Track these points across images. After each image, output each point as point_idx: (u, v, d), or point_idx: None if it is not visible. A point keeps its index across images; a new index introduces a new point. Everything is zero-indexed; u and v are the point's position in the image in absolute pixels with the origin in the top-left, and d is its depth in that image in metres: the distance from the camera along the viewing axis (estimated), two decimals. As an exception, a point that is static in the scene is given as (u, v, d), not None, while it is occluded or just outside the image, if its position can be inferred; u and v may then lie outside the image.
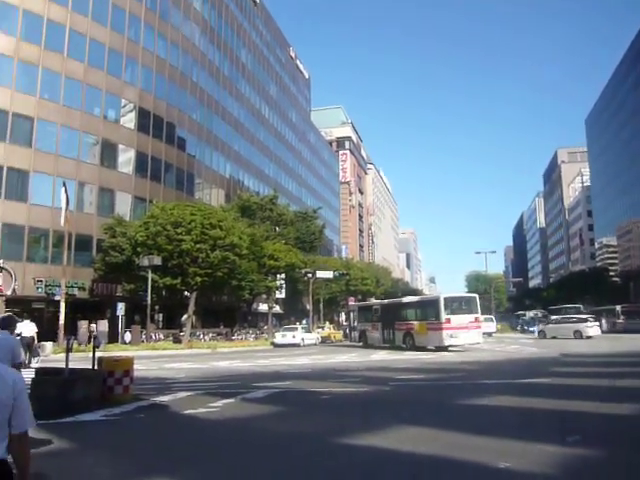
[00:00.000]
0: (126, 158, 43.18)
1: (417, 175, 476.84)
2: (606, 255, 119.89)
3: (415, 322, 28.83)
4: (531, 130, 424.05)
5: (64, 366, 10.92)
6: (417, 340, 28.28)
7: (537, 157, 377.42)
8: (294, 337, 38.16)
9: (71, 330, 32.25)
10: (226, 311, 54.29)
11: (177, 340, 34.65)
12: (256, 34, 69.86)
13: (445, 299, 27.95)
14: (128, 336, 32.89)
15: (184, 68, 50.40)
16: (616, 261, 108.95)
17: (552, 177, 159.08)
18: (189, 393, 12.68)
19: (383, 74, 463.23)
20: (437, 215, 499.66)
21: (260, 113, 69.09)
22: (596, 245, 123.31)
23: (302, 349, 34.90)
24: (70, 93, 38.42)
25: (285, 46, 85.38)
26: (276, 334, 39.51)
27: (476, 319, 27.42)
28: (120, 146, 42.48)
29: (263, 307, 58.13)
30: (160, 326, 40.07)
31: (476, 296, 29.13)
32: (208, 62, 55.09)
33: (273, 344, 38.58)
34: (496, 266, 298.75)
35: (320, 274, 48.32)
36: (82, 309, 38.48)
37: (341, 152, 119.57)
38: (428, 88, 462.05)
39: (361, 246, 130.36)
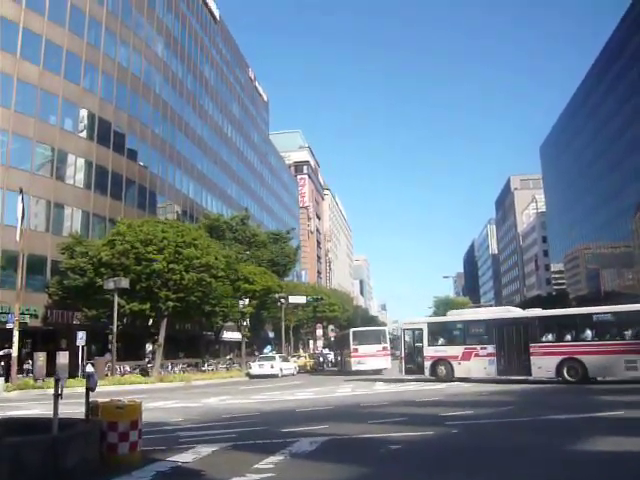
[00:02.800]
0: (84, 172, 39.27)
1: (368, 201, 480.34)
2: (562, 280, 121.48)
3: (345, 350, 36.01)
4: (482, 158, 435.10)
5: (38, 414, 7.73)
6: (347, 366, 35.06)
7: (487, 185, 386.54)
8: (272, 367, 34.94)
9: (23, 363, 28.20)
10: (189, 340, 50.37)
11: (144, 372, 30.80)
12: (216, 51, 67.12)
13: (354, 332, 35.96)
14: (89, 369, 28.80)
15: (147, 79, 47.11)
16: (575, 286, 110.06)
17: (505, 204, 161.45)
18: (212, 447, 9.47)
19: (341, 89, 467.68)
20: (387, 242, 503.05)
21: (223, 132, 66.07)
22: (552, 269, 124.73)
23: (283, 380, 31.74)
24: (23, 98, 34.57)
25: (244, 67, 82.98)
26: (252, 364, 36.13)
27: (384, 348, 33.56)
28: (78, 159, 38.59)
29: (228, 335, 54.47)
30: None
31: (384, 329, 35.49)
32: (171, 74, 51.94)
33: (249, 375, 35.20)
34: (446, 292, 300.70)
35: (293, 299, 45.27)
36: (33, 339, 34.23)
37: (299, 177, 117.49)
38: (379, 118, 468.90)
39: (319, 272, 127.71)
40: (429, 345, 25.25)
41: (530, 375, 22.16)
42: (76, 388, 24.79)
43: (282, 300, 42.60)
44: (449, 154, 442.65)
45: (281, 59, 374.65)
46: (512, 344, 23.05)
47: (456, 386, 22.25)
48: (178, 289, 29.90)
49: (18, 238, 24.09)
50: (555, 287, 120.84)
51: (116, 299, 28.25)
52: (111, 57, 42.40)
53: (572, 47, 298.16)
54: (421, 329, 25.94)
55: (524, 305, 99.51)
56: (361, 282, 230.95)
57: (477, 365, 23.62)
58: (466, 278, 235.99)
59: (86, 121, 39.84)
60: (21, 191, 24.38)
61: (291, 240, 54.32)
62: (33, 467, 6.58)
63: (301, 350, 61.50)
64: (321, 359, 49.12)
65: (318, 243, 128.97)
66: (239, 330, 62.02)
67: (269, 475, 7.29)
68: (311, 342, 65.98)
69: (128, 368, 31.03)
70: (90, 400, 8.86)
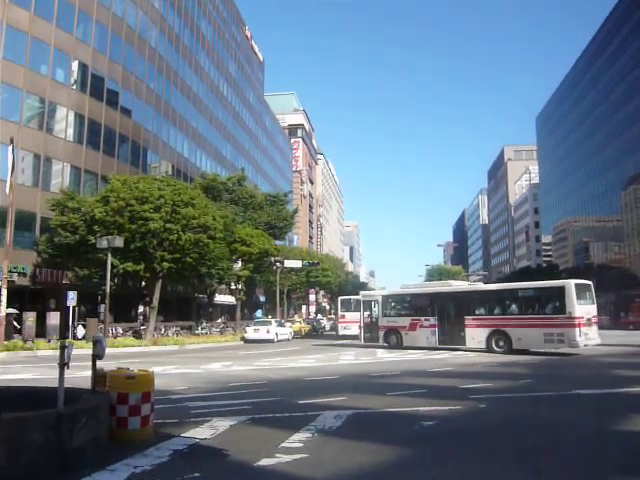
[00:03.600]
0: (76, 126, 37.68)
1: (360, 168, 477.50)
2: (552, 252, 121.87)
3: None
4: (476, 127, 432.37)
5: (30, 379, 7.05)
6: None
7: (479, 155, 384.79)
8: (268, 332, 34.31)
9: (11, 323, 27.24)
10: (181, 302, 49.61)
11: (137, 335, 29.98)
12: (213, 7, 64.59)
13: (341, 300, 37.36)
14: (81, 330, 27.95)
15: (142, 31, 45.07)
16: (563, 258, 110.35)
17: (497, 174, 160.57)
18: (230, 421, 8.68)
19: (335, 60, 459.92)
20: (377, 209, 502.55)
21: (219, 90, 64.06)
22: (543, 241, 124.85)
23: (280, 345, 31.14)
24: (13, 45, 32.78)
25: (241, 25, 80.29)
26: (247, 329, 35.46)
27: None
28: (69, 112, 36.95)
29: (220, 298, 53.75)
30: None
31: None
32: (168, 27, 49.81)
33: (244, 339, 34.57)
34: (435, 261, 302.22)
35: (289, 263, 44.41)
36: (20, 298, 33.19)
37: (293, 140, 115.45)
38: (376, 85, 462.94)
39: (310, 237, 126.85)
40: (383, 316, 27.14)
41: (465, 345, 23.72)
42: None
43: (278, 264, 41.68)
44: (444, 124, 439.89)
45: (277, 23, 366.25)
46: (451, 316, 24.82)
47: (461, 355, 21.73)
48: (174, 250, 28.84)
49: (8, 191, 22.85)
50: (545, 259, 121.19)
51: (109, 258, 27.17)
52: (106, 6, 40.35)
53: (573, 18, 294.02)
54: (377, 301, 27.85)
55: (513, 276, 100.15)
56: (351, 248, 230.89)
57: (421, 335, 25.32)
58: (455, 247, 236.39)
59: (79, 73, 38.05)
60: (12, 141, 22.98)
61: (288, 203, 53.19)
62: (35, 447, 5.73)
63: (295, 315, 60.94)
64: (314, 324, 48.72)
65: (310, 208, 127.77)
66: (231, 293, 61.45)
67: (302, 456, 6.52)
68: (304, 307, 65.51)
69: (121, 330, 30.17)
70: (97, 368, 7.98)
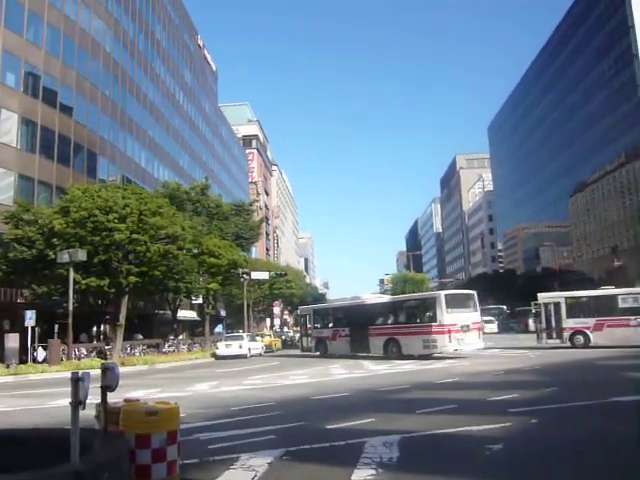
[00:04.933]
0: (27, 134, 35.20)
1: (312, 178, 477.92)
2: (503, 258, 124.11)
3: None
4: (427, 138, 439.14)
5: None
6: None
7: (432, 164, 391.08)
8: (240, 347, 32.68)
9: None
10: (141, 319, 47.16)
11: (102, 355, 27.81)
12: (165, 13, 62.55)
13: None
14: (41, 353, 25.62)
15: (96, 35, 42.79)
16: (514, 264, 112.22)
17: (450, 183, 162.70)
18: (264, 458, 7.24)
19: (291, 70, 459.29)
20: (330, 221, 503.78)
21: (175, 98, 61.95)
22: (499, 247, 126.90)
23: (254, 361, 29.53)
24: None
25: (193, 33, 78.33)
26: (218, 344, 33.68)
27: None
28: (21, 119, 34.46)
29: (182, 313, 51.51)
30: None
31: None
32: (122, 32, 47.60)
33: (215, 356, 32.75)
34: (388, 270, 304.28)
35: (256, 275, 42.71)
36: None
37: (248, 151, 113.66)
38: (330, 91, 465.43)
39: (267, 249, 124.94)
40: (314, 328, 30.52)
41: (369, 352, 26.35)
42: (29, 375, 21.86)
43: (245, 276, 39.99)
44: (397, 131, 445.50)
45: (228, 34, 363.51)
46: (360, 327, 27.12)
47: (452, 364, 20.76)
48: (141, 262, 26.94)
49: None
50: (501, 265, 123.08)
51: (72, 273, 25.06)
52: (57, 7, 38.02)
53: (523, 29, 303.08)
54: (310, 314, 31.37)
55: (469, 283, 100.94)
56: (306, 260, 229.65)
57: (340, 344, 28.16)
58: (408, 256, 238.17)
59: (30, 77, 35.62)
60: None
61: (254, 212, 51.50)
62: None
63: (265, 329, 59.14)
64: (283, 337, 47.21)
65: (266, 219, 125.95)
66: (191, 308, 59.14)
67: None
68: (268, 320, 63.74)
69: (84, 351, 27.87)
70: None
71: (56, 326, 31.03)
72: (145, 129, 51.54)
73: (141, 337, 38.39)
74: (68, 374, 17.13)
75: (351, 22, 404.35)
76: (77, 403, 4.81)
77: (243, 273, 39.58)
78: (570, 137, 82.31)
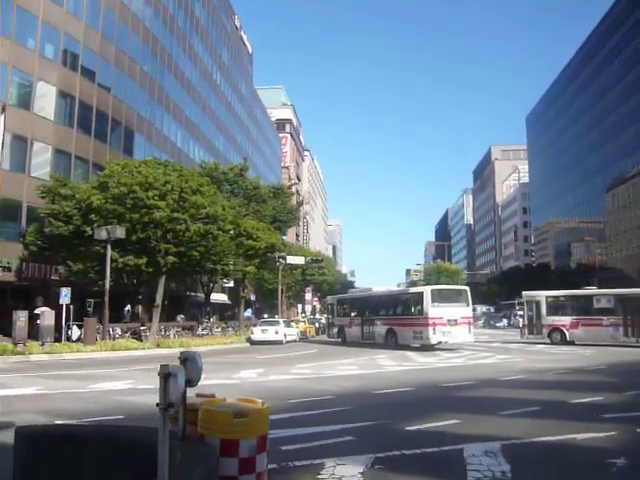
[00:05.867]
0: (66, 108, 34.52)
1: (344, 166, 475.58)
2: (542, 252, 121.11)
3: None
4: (461, 128, 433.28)
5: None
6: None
7: (463, 155, 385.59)
8: (277, 333, 31.73)
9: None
10: (172, 301, 46.60)
11: (137, 336, 27.05)
12: (204, -9, 61.39)
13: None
14: (76, 331, 24.94)
15: (136, 9, 41.92)
16: (549, 259, 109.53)
17: (484, 174, 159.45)
18: (354, 466, 6.13)
19: (325, 58, 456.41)
20: (359, 208, 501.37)
21: (212, 78, 60.97)
22: (532, 241, 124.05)
23: (291, 348, 28.59)
24: (-2, 15, 29.58)
25: (230, 13, 77.11)
26: (254, 329, 32.73)
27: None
28: (59, 92, 33.77)
29: (213, 297, 50.83)
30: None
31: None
32: (162, 7, 46.61)
33: (250, 341, 31.87)
34: (416, 261, 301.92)
35: (292, 259, 41.63)
36: (2, 296, 30.07)
37: (281, 135, 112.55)
38: (363, 84, 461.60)
39: (297, 235, 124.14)
40: (337, 315, 32.93)
41: (375, 340, 28.00)
42: (63, 354, 21.12)
43: (281, 260, 38.95)
44: (430, 123, 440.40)
45: (265, 17, 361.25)
46: (369, 317, 29.31)
47: (504, 360, 19.37)
48: (179, 242, 26.01)
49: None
50: (532, 259, 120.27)
51: (109, 251, 24.25)
52: (98, -21, 37.20)
53: (567, 19, 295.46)
54: (333, 304, 33.91)
55: (502, 276, 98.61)
56: (334, 247, 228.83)
57: (354, 332, 30.19)
58: (437, 247, 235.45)
59: (69, 49, 34.85)
60: (3, 109, 19.94)
61: (293, 195, 50.40)
62: None
63: (299, 315, 58.29)
64: (316, 324, 46.20)
65: (298, 205, 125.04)
66: (222, 291, 58.43)
67: None
68: (299, 306, 62.82)
69: (119, 331, 27.16)
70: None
71: (91, 303, 30.50)
72: (182, 108, 50.68)
73: (182, 318, 37.85)
74: (104, 354, 16.23)
75: (384, 13, 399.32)
76: (167, 405, 3.68)
77: (279, 257, 38.54)
78: (610, 132, 79.67)
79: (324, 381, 13.98)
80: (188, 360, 4.74)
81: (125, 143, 39.95)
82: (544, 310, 29.02)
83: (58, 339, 23.78)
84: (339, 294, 38.69)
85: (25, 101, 31.93)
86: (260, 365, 18.22)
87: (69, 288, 25.07)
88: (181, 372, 3.77)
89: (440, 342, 24.67)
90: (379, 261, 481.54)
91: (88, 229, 25.22)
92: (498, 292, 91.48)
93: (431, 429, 8.07)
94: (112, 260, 25.10)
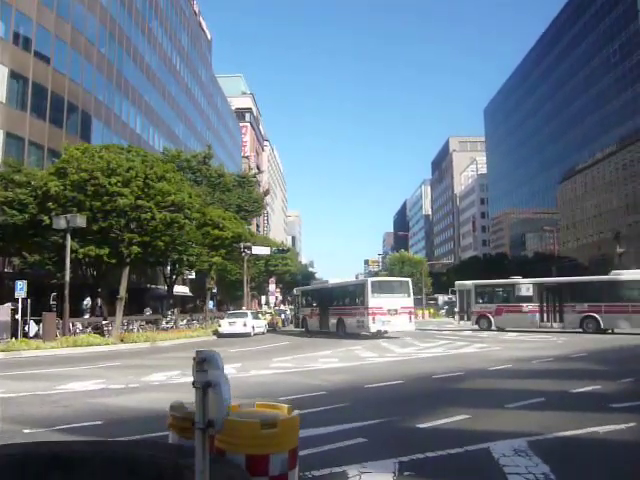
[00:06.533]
0: (18, 89, 32.58)
1: (302, 156, 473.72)
2: (500, 242, 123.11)
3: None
4: (418, 120, 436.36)
5: None
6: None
7: (422, 146, 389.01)
8: (245, 325, 30.87)
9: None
10: (133, 294, 45.02)
11: (99, 331, 25.73)
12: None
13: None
14: (33, 327, 23.47)
15: (92, -14, 39.96)
16: (505, 249, 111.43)
17: (442, 165, 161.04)
18: (379, 474, 5.43)
19: (282, 45, 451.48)
20: (317, 198, 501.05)
21: (172, 63, 59.07)
22: (489, 231, 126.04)
23: (259, 340, 27.84)
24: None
25: (189, -2, 74.99)
26: (221, 321, 31.75)
27: None
28: (10, 73, 31.78)
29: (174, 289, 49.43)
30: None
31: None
32: (119, -14, 44.71)
33: (217, 333, 30.89)
34: (374, 251, 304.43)
35: (257, 250, 40.69)
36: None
37: (241, 124, 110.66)
38: (321, 73, 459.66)
39: (257, 225, 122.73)
40: (300, 306, 34.95)
41: (329, 330, 29.62)
42: (21, 352, 19.76)
43: (246, 250, 37.95)
44: (390, 113, 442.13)
45: (223, 5, 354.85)
46: (324, 307, 30.94)
47: (482, 349, 19.04)
48: (143, 231, 24.77)
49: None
50: (492, 249, 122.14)
51: (69, 241, 22.87)
52: (49, -46, 35.14)
53: (525, 10, 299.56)
54: (298, 295, 36.13)
55: (461, 266, 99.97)
56: (293, 238, 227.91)
57: (314, 322, 31.95)
58: (396, 237, 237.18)
59: (21, 27, 32.89)
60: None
61: (257, 184, 49.22)
62: None
63: (265, 306, 57.33)
64: (282, 316, 45.44)
65: (264, 194, 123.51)
66: (184, 283, 56.92)
67: None
68: (263, 298, 61.84)
69: (80, 326, 25.74)
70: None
71: (52, 296, 28.94)
72: (141, 93, 48.86)
73: (150, 312, 36.49)
74: (65, 351, 14.88)
75: (346, 2, 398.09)
76: (207, 424, 2.86)
77: (245, 247, 37.54)
78: (566, 124, 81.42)
79: (310, 375, 13.26)
80: (207, 361, 3.92)
81: (82, 128, 38.12)
82: (473, 298, 31.08)
83: (15, 336, 22.34)
84: (301, 285, 41.23)
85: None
86: (236, 359, 17.32)
87: (25, 281, 23.54)
88: (224, 380, 2.96)
89: (379, 331, 25.88)
90: (338, 252, 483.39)
91: (45, 218, 23.71)
92: (457, 281, 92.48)
93: (444, 426, 7.46)
94: (72, 251, 23.71)
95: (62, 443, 4.43)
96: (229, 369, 14.48)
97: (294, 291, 38.11)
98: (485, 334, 27.90)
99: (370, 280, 28.39)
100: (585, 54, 76.74)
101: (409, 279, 29.04)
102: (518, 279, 31.80)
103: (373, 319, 25.50)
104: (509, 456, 5.87)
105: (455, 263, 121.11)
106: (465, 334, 28.04)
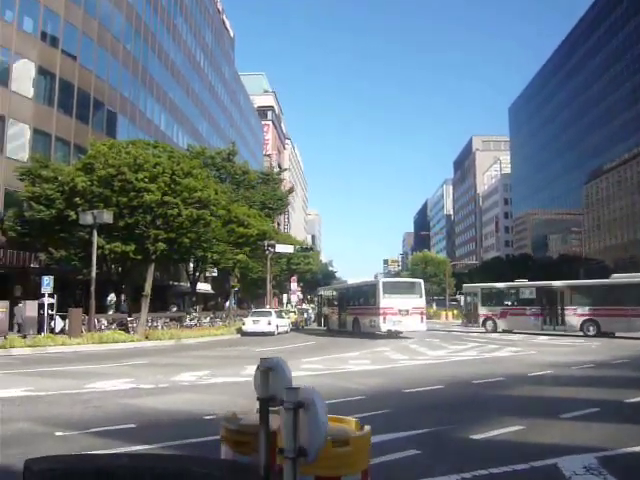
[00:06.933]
0: (46, 85, 32.61)
1: (323, 155, 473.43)
2: (522, 242, 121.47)
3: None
4: (441, 119, 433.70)
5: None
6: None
7: (444, 146, 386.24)
8: (269, 324, 30.53)
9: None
10: (156, 291, 44.98)
11: (123, 328, 25.57)
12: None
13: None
14: (59, 323, 23.35)
15: (118, -17, 39.93)
16: (527, 250, 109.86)
17: (465, 164, 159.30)
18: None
19: (307, 46, 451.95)
20: (337, 197, 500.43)
21: (196, 60, 59.00)
22: (512, 232, 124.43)
23: (283, 339, 27.54)
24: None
25: (212, -5, 74.87)
26: (245, 320, 31.47)
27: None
28: (38, 69, 31.83)
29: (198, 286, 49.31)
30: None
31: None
32: (145, -17, 44.69)
33: (241, 332, 30.60)
34: (394, 251, 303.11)
35: (280, 248, 40.33)
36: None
37: (263, 122, 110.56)
38: (345, 73, 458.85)
39: (278, 224, 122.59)
40: (323, 306, 36.36)
41: (346, 329, 30.45)
42: (47, 348, 19.60)
43: (270, 248, 37.60)
44: (412, 113, 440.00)
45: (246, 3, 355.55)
46: (342, 307, 32.37)
47: (516, 353, 18.41)
48: (169, 228, 24.54)
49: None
50: (516, 249, 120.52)
51: (95, 237, 22.70)
52: (78, -49, 35.11)
53: (552, 10, 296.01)
54: (322, 294, 37.81)
55: (484, 266, 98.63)
56: (313, 237, 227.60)
57: (334, 321, 33.22)
58: (416, 237, 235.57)
59: (49, 23, 32.89)
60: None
61: (282, 182, 48.92)
62: None
63: (288, 305, 57.02)
64: (305, 315, 45.09)
65: (288, 192, 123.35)
66: (205, 281, 56.83)
67: None
68: (285, 296, 61.46)
69: (105, 322, 25.62)
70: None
71: (79, 292, 28.93)
72: (166, 90, 48.82)
73: (175, 309, 36.40)
74: (91, 347, 14.46)
75: (369, 7, 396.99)
76: (298, 453, 2.42)
77: (269, 245, 37.21)
78: (592, 125, 79.87)
79: (343, 378, 12.81)
80: (272, 370, 3.49)
81: (108, 125, 38.12)
82: (480, 300, 31.92)
83: (40, 331, 22.24)
84: (322, 284, 42.55)
85: (2, 77, 29.99)
86: (254, 358, 16.97)
87: (51, 277, 23.42)
88: (319, 398, 2.51)
89: (390, 330, 26.32)
90: (357, 251, 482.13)
91: (72, 213, 23.59)
92: (481, 282, 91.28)
93: (499, 438, 6.96)
94: (98, 247, 23.55)
95: (107, 456, 4.04)
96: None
97: (318, 290, 39.54)
98: (516, 337, 27.35)
99: (382, 281, 29.45)
100: (609, 58, 75.59)
101: (421, 280, 29.66)
102: (523, 282, 32.58)
103: (384, 319, 26.01)
104: (581, 474, 5.40)
105: (478, 264, 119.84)
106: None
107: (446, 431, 7.44)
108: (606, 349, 20.26)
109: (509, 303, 31.02)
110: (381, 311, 26.13)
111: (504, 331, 30.55)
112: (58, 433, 7.14)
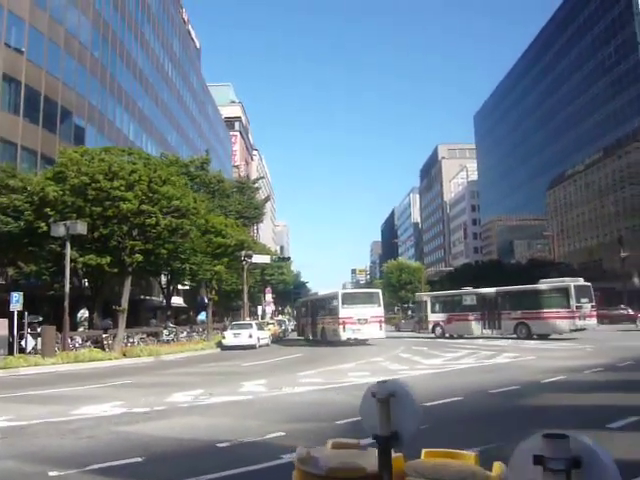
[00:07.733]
0: (10, 93, 31.09)
1: (288, 166, 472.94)
2: (490, 248, 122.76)
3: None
4: (406, 129, 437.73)
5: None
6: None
7: (410, 155, 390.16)
8: (250, 337, 29.48)
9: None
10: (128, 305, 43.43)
11: (99, 345, 24.23)
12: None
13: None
14: (30, 342, 21.92)
15: (85, -11, 38.63)
16: (492, 256, 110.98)
17: (431, 172, 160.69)
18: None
19: (268, 55, 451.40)
20: (305, 209, 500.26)
21: (164, 69, 57.73)
22: (480, 238, 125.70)
23: (266, 352, 26.57)
24: None
25: (178, 6, 73.74)
26: (225, 333, 30.33)
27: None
28: (2, 75, 30.29)
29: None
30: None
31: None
32: (112, -11, 43.40)
33: (221, 346, 29.49)
34: (361, 260, 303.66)
35: (257, 258, 39.30)
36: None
37: (231, 133, 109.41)
38: (310, 82, 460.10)
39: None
40: (301, 317, 38.62)
41: (317, 337, 32.08)
42: (19, 369, 18.27)
43: (247, 259, 36.58)
44: (378, 119, 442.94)
45: (210, 14, 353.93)
46: (313, 317, 33.94)
47: (516, 359, 17.86)
48: (146, 239, 23.38)
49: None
50: (483, 256, 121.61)
51: (68, 249, 21.43)
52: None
53: (514, 20, 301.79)
54: (299, 306, 40.78)
55: (455, 273, 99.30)
56: (281, 248, 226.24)
57: (307, 330, 34.92)
58: (384, 246, 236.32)
59: (14, 28, 31.43)
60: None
61: (258, 190, 47.90)
62: None
63: (267, 317, 55.92)
64: (282, 327, 44.12)
65: (264, 201, 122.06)
66: (177, 294, 55.30)
67: None
68: (259, 308, 60.23)
69: (79, 340, 24.24)
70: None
71: (46, 309, 27.40)
72: (135, 99, 47.46)
73: (155, 322, 35.08)
74: (67, 367, 12.97)
75: (335, 13, 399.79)
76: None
77: (245, 256, 36.19)
78: (555, 132, 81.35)
79: (350, 392, 11.91)
80: (395, 398, 2.67)
81: (76, 134, 36.61)
82: (429, 308, 33.70)
83: (11, 352, 20.79)
84: (294, 295, 45.05)
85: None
86: (257, 375, 15.99)
87: (21, 293, 22.01)
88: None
89: (349, 338, 27.61)
90: (326, 261, 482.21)
91: (42, 225, 22.26)
92: (450, 289, 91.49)
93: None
94: (71, 260, 22.26)
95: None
96: (257, 387, 13.24)
97: (297, 302, 42.47)
98: (504, 343, 26.83)
99: (341, 292, 30.97)
100: (573, 65, 77.18)
101: (379, 290, 32.23)
102: (467, 290, 34.17)
103: (344, 328, 27.60)
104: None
105: (452, 270, 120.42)
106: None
107: (497, 449, 6.65)
108: (602, 352, 19.88)
109: (454, 309, 32.52)
110: (341, 320, 27.75)
111: (450, 336, 32.15)
112: (52, 473, 6.03)
